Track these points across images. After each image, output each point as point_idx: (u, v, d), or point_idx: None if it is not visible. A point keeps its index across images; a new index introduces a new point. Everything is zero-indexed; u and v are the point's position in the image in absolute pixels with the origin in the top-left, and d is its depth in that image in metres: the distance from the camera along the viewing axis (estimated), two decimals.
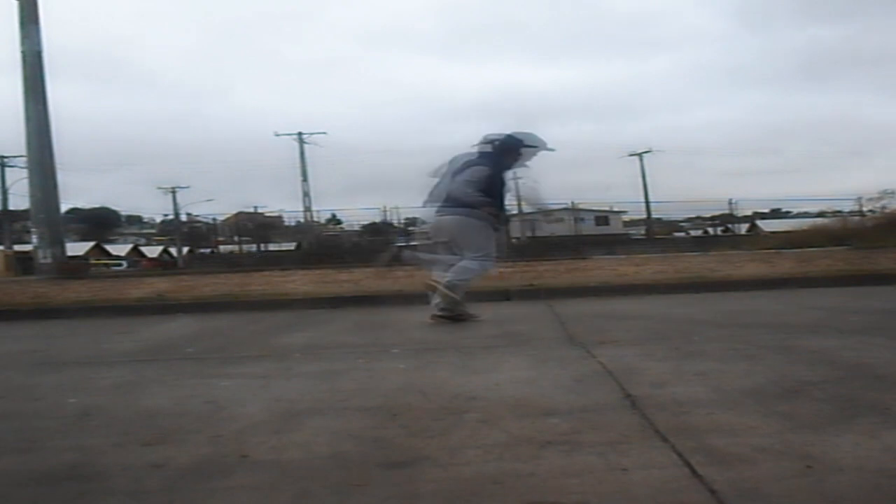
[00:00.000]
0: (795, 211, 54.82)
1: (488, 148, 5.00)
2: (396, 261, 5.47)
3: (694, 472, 1.64)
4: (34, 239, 17.09)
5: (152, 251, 58.50)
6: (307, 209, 43.17)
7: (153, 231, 68.68)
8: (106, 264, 36.92)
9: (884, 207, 26.31)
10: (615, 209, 53.14)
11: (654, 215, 50.91)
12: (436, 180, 5.17)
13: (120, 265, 42.34)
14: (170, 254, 54.42)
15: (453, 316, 4.89)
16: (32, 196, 16.69)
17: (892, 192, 26.34)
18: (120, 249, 54.67)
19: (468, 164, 4.97)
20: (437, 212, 5.05)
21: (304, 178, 43.02)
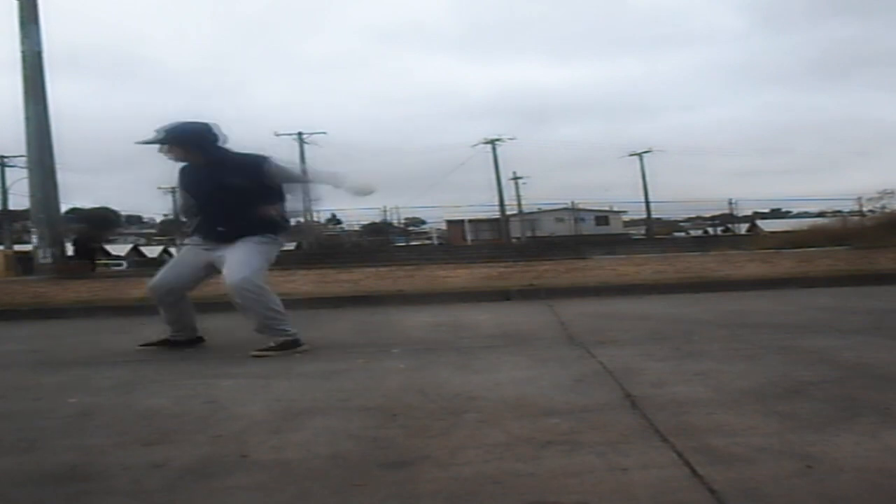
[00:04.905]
0: (795, 211, 54.78)
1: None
2: None
3: (694, 472, 1.64)
4: (34, 239, 17.08)
5: (152, 251, 58.53)
6: (307, 209, 43.19)
7: (153, 231, 68.70)
8: (106, 264, 36.91)
9: (884, 207, 26.27)
10: (615, 209, 53.12)
11: (655, 215, 50.91)
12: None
13: (120, 265, 42.33)
14: (170, 254, 54.42)
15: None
16: (32, 196, 16.66)
17: (892, 192, 26.30)
18: (120, 249, 54.65)
19: None
20: None
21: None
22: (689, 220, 59.35)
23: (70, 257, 18.22)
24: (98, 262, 19.78)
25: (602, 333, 4.03)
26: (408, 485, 1.64)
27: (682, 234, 56.25)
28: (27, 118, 16.17)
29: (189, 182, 4.01)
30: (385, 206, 52.21)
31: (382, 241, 48.24)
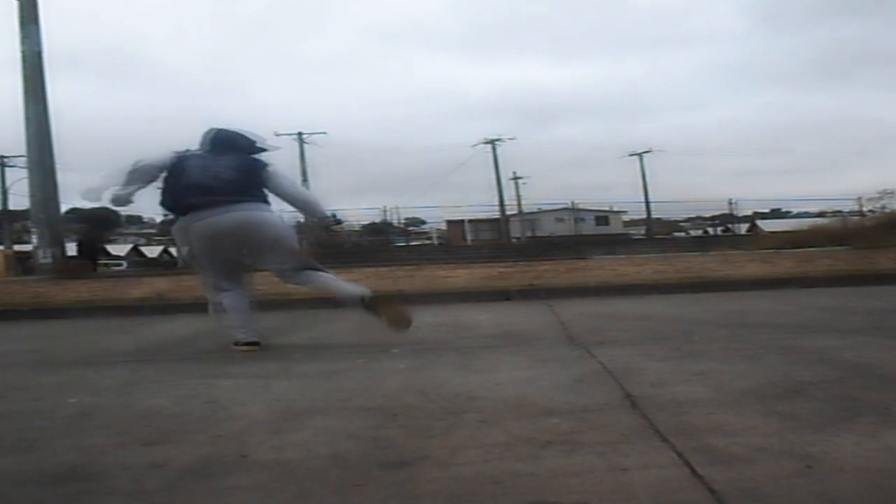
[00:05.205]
0: (795, 211, 54.84)
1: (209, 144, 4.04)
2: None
3: (694, 471, 1.64)
4: (34, 239, 17.11)
5: (152, 251, 58.54)
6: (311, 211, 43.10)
7: (153, 231, 68.76)
8: (106, 264, 36.93)
9: (884, 207, 26.34)
10: (615, 209, 53.15)
11: (654, 215, 50.96)
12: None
13: (120, 265, 42.33)
14: (170, 254, 54.41)
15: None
16: (32, 196, 16.70)
17: (892, 192, 26.37)
18: (120, 249, 54.66)
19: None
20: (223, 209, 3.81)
21: (304, 178, 42.97)
22: (689, 220, 59.39)
23: (72, 257, 18.26)
24: (101, 261, 20.18)
25: (602, 333, 4.03)
26: (408, 485, 1.63)
27: (682, 234, 56.28)
28: (27, 118, 16.18)
29: None
30: (385, 206, 52.23)
31: (382, 241, 48.24)
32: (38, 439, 2.14)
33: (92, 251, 19.78)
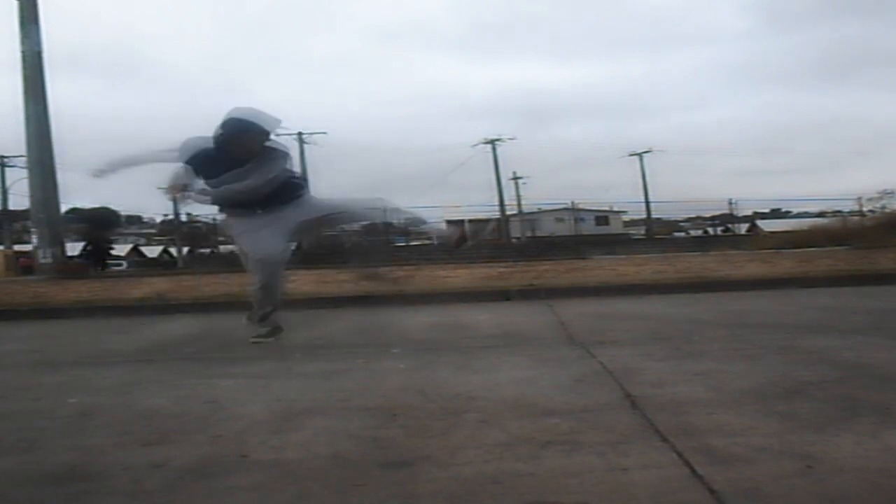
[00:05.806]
0: (795, 211, 54.82)
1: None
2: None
3: (694, 472, 1.64)
4: (34, 239, 17.13)
5: (152, 251, 58.61)
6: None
7: (153, 231, 68.75)
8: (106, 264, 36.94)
9: (884, 207, 26.40)
10: (615, 209, 53.17)
11: (655, 215, 50.95)
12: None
13: (120, 265, 42.34)
14: (170, 254, 54.44)
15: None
16: (32, 196, 16.71)
17: (892, 192, 26.42)
18: (120, 249, 54.64)
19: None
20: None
21: (305, 179, 42.98)
22: (689, 220, 59.39)
23: (71, 257, 18.30)
24: (109, 262, 20.38)
25: (602, 333, 4.03)
26: (408, 485, 1.64)
27: (682, 234, 56.31)
28: (27, 118, 16.19)
29: None
30: (385, 206, 52.14)
31: (382, 241, 48.13)
32: (38, 439, 2.14)
33: (100, 253, 19.95)
